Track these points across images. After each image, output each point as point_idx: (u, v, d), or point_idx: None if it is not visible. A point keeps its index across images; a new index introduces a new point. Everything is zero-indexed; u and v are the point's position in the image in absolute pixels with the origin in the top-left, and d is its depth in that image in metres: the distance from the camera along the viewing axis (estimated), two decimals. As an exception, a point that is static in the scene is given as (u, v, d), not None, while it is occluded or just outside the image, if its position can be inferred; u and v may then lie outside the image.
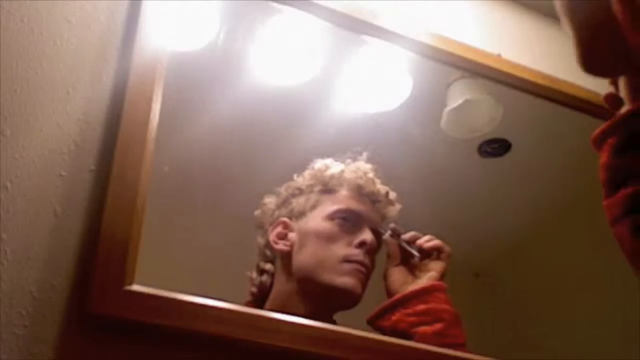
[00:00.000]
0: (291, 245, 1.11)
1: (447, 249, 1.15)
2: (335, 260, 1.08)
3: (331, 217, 1.12)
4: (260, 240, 1.16)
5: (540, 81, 1.45)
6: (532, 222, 1.63)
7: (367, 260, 1.10)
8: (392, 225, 1.16)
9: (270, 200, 1.19)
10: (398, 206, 1.19)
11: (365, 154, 1.21)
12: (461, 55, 1.38)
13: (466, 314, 1.08)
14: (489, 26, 1.54)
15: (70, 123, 0.92)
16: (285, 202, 1.16)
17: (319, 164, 1.19)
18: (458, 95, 1.46)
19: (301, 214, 1.14)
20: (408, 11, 1.42)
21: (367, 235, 1.11)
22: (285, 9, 1.27)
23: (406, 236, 1.15)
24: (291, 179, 1.21)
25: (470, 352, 1.03)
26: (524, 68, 1.45)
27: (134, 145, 0.91)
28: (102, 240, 0.84)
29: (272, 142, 1.44)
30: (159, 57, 0.99)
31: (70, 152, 0.90)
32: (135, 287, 0.83)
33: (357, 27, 1.31)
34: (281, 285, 1.11)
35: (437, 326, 1.03)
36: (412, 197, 1.33)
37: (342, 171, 1.17)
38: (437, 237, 1.18)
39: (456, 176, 1.55)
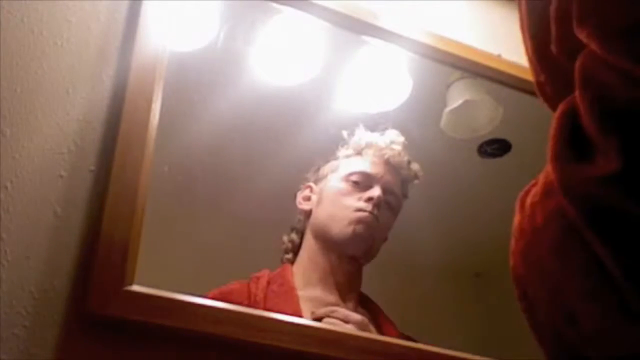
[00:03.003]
0: (312, 205, 1.23)
1: None
2: (344, 212, 1.18)
3: (346, 178, 1.23)
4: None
5: (540, 81, 1.45)
6: (532, 222, 1.62)
7: (375, 211, 1.18)
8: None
9: (311, 168, 1.31)
10: (417, 179, 1.29)
11: (390, 126, 1.31)
12: (461, 55, 1.38)
13: (466, 314, 1.08)
14: (489, 26, 1.54)
15: (70, 123, 0.92)
16: (317, 169, 1.29)
17: (357, 133, 1.30)
18: (458, 96, 1.46)
19: (323, 177, 1.26)
20: (408, 11, 1.42)
21: (375, 192, 1.20)
22: (285, 9, 1.27)
23: None
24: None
25: (470, 352, 1.03)
26: (524, 68, 1.45)
27: (134, 145, 0.91)
28: (102, 240, 0.84)
29: (272, 142, 1.44)
30: (159, 57, 0.99)
31: (70, 152, 0.90)
32: (135, 287, 0.83)
33: (357, 27, 1.31)
34: (307, 242, 1.22)
35: None
36: (412, 197, 1.33)
37: (373, 137, 1.28)
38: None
39: (456, 176, 1.55)
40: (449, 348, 1.03)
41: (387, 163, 1.25)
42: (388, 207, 1.23)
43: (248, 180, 1.39)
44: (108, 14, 1.02)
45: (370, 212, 1.18)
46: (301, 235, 1.25)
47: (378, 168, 1.24)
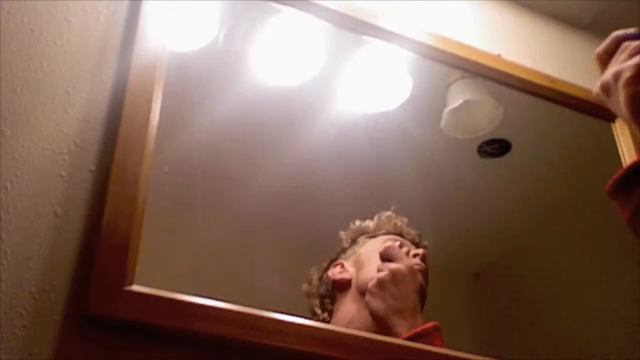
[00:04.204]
0: (351, 274, 1.20)
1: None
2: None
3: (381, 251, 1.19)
4: (314, 302, 1.23)
5: (540, 81, 1.45)
6: (532, 222, 1.63)
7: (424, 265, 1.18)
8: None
9: (314, 271, 1.27)
10: (426, 249, 1.26)
11: (392, 207, 1.31)
12: (461, 55, 1.38)
13: (466, 314, 1.08)
14: (489, 26, 1.54)
15: (70, 123, 0.92)
16: (333, 261, 1.26)
17: (354, 224, 1.30)
18: (458, 96, 1.46)
19: (352, 255, 1.24)
20: (408, 11, 1.42)
21: (416, 250, 1.21)
22: (285, 9, 1.27)
23: None
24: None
25: (470, 352, 1.03)
26: (524, 68, 1.45)
27: (134, 145, 0.91)
28: (102, 240, 0.84)
29: (272, 142, 1.44)
30: (159, 57, 0.99)
31: (70, 152, 0.90)
32: (135, 288, 0.83)
33: (357, 27, 1.31)
34: (346, 307, 1.17)
35: None
36: (412, 197, 1.34)
37: (379, 219, 1.28)
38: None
39: (456, 176, 1.55)
40: (449, 348, 1.03)
41: (402, 235, 1.26)
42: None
43: (248, 180, 1.39)
44: (108, 14, 1.02)
45: (421, 266, 1.18)
46: (330, 314, 1.21)
47: (404, 241, 1.25)
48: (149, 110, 0.94)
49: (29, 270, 0.82)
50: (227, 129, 1.37)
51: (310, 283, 1.26)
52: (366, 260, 1.20)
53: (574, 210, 1.60)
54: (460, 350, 1.03)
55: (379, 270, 1.12)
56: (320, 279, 1.25)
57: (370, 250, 1.22)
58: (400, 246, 1.21)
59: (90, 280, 0.82)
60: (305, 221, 1.38)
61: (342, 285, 1.20)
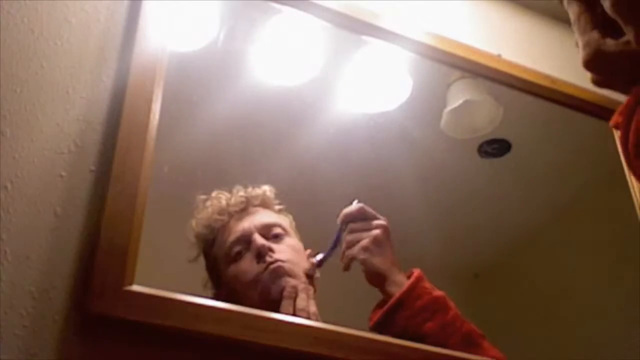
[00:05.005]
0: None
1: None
2: (255, 286, 1.07)
3: (229, 258, 1.11)
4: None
5: (540, 81, 1.45)
6: (531, 222, 1.63)
7: (275, 257, 1.08)
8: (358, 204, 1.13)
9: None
10: (263, 189, 1.19)
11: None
12: (461, 55, 1.38)
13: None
14: (489, 26, 1.54)
15: (70, 123, 0.92)
16: None
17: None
18: (458, 96, 1.47)
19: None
20: (408, 11, 1.42)
21: (255, 244, 1.09)
22: (285, 9, 1.27)
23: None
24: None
25: (470, 352, 1.03)
26: (524, 68, 1.45)
27: (134, 145, 0.91)
28: (102, 240, 0.84)
29: (272, 142, 1.44)
30: (159, 57, 0.99)
31: (70, 152, 0.90)
32: (135, 287, 0.83)
33: (357, 27, 1.31)
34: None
35: (439, 318, 1.03)
36: (411, 197, 1.34)
37: (206, 208, 1.17)
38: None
39: (456, 176, 1.56)
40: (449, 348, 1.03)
41: (237, 207, 1.16)
42: (276, 237, 1.13)
43: (248, 180, 1.39)
44: (108, 14, 1.02)
45: (273, 264, 1.07)
46: None
47: (239, 224, 1.14)
48: (149, 110, 0.94)
49: (29, 270, 0.82)
50: (227, 129, 1.37)
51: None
52: (237, 287, 1.09)
53: (574, 210, 1.60)
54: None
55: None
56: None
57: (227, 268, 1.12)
58: (242, 244, 1.10)
59: (90, 280, 0.82)
60: (305, 221, 1.37)
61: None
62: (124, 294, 0.82)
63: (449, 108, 1.47)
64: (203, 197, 1.19)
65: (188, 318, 0.84)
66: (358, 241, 1.08)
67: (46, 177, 0.87)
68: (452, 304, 1.06)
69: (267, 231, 1.12)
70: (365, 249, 1.07)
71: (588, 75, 0.60)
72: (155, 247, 1.03)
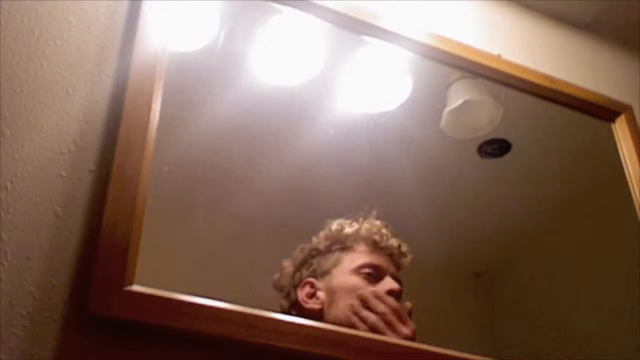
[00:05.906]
0: (322, 303, 1.14)
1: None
2: (360, 310, 1.10)
3: (357, 271, 1.16)
4: (284, 303, 1.18)
5: (540, 81, 1.45)
6: (532, 222, 1.63)
7: (410, 330, 1.10)
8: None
9: (287, 264, 1.22)
10: (410, 257, 1.23)
11: (374, 212, 1.25)
12: (461, 55, 1.38)
13: (466, 314, 1.08)
14: (489, 26, 1.54)
15: (70, 123, 0.92)
16: (305, 264, 1.20)
17: (334, 225, 1.23)
18: (458, 96, 1.47)
19: (325, 273, 1.18)
20: (408, 11, 1.42)
21: (392, 284, 1.15)
22: (285, 9, 1.27)
23: None
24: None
25: (470, 352, 1.03)
26: (524, 68, 1.45)
27: (134, 145, 0.91)
28: (102, 240, 0.84)
29: (272, 142, 1.43)
30: (159, 57, 0.99)
31: (70, 152, 0.90)
32: (135, 288, 0.83)
33: (357, 27, 1.31)
34: None
35: None
36: (412, 197, 1.33)
37: (358, 229, 1.22)
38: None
39: (456, 176, 1.55)
40: (449, 348, 1.03)
41: (382, 250, 1.20)
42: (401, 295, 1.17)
43: (248, 180, 1.39)
44: (108, 14, 1.02)
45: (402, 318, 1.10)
46: None
47: (380, 258, 1.19)
48: (149, 110, 0.94)
49: (29, 270, 0.82)
50: (227, 129, 1.37)
51: (281, 274, 1.21)
52: (339, 292, 1.14)
53: (574, 210, 1.60)
54: (460, 350, 1.03)
55: (354, 312, 1.08)
56: (289, 294, 1.18)
57: (344, 274, 1.16)
58: (376, 271, 1.16)
59: (90, 280, 0.82)
60: (305, 221, 1.37)
61: (312, 314, 1.12)
62: (124, 294, 0.82)
63: (449, 108, 1.47)
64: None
65: (188, 318, 0.84)
66: None
67: (46, 177, 0.87)
68: None
69: (398, 295, 1.15)
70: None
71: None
72: (155, 247, 1.03)
